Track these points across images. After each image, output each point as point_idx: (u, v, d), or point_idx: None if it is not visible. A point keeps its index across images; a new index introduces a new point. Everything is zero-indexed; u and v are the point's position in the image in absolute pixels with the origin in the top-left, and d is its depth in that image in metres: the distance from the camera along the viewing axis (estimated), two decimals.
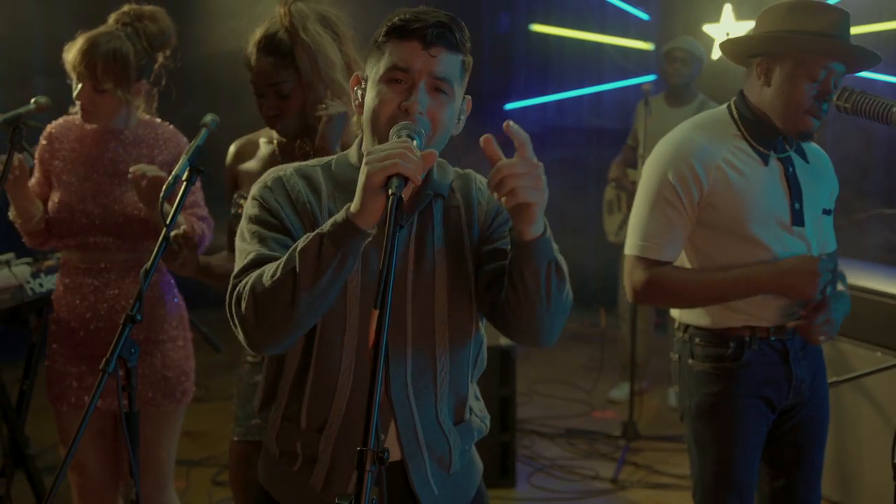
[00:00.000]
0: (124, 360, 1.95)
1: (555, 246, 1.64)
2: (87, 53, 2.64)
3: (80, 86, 2.69)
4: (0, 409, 3.08)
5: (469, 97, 1.75)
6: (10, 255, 3.17)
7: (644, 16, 7.07)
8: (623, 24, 7.11)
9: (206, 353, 3.06)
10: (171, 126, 2.89)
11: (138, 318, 1.94)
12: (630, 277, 2.48)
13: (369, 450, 1.32)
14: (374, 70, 1.67)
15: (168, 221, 2.07)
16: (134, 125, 2.82)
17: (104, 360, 1.91)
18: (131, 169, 2.48)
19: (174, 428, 2.89)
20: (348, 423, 1.69)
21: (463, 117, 1.74)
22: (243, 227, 1.68)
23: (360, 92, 1.72)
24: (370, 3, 2.51)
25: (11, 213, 2.82)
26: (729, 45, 2.51)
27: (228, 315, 1.62)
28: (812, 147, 2.58)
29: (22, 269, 3.13)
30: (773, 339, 2.45)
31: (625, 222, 5.41)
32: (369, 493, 1.32)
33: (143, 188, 2.44)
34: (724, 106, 2.53)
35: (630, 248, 2.48)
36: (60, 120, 2.89)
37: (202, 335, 3.35)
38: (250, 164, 2.49)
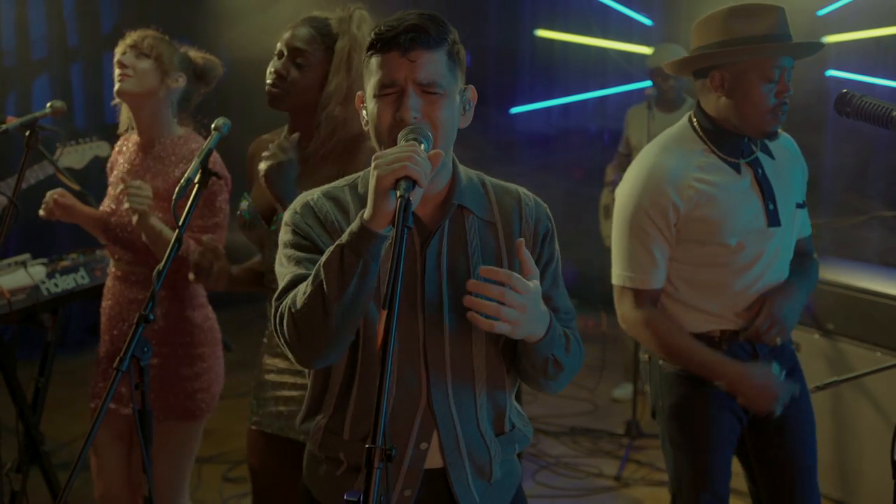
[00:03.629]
0: (137, 359, 1.98)
1: (559, 338, 1.72)
2: (141, 33, 2.82)
3: (124, 53, 2.81)
4: (16, 406, 3.13)
5: (472, 87, 1.77)
6: (25, 256, 3.22)
7: (647, 21, 7.10)
8: (626, 30, 7.13)
9: None
10: (203, 142, 2.91)
11: (151, 317, 1.97)
12: (619, 308, 2.52)
13: (377, 447, 1.35)
14: (368, 87, 1.71)
15: (181, 223, 2.09)
16: (168, 138, 2.87)
17: (117, 358, 1.94)
18: (119, 186, 2.61)
19: (183, 444, 2.87)
20: (393, 434, 1.70)
21: (469, 108, 1.76)
22: (280, 252, 1.74)
23: (364, 111, 1.75)
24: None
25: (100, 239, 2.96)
26: (675, 67, 2.52)
27: (276, 337, 1.67)
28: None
29: (37, 270, 3.19)
30: (741, 341, 2.49)
31: None
32: (377, 490, 1.34)
33: (129, 202, 2.58)
34: (685, 120, 2.53)
35: (616, 278, 2.52)
36: (123, 138, 2.99)
37: None
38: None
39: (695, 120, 2.50)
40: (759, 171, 2.47)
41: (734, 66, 2.39)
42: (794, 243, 2.58)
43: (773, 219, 2.45)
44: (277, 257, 1.75)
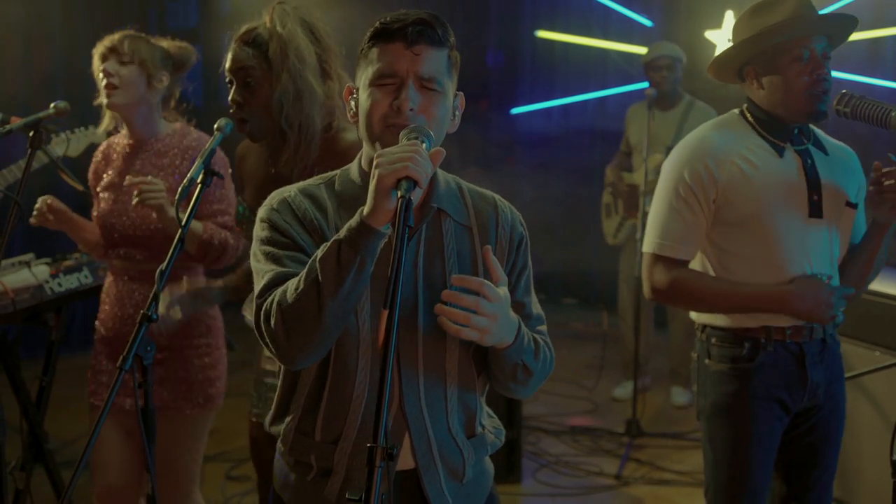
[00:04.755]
0: (140, 357, 2.00)
1: (528, 344, 1.70)
2: (119, 35, 2.79)
3: (106, 62, 2.78)
4: (20, 405, 3.13)
5: (461, 94, 1.76)
6: (29, 256, 3.23)
7: (647, 22, 7.12)
8: (626, 31, 7.16)
9: None
10: (198, 134, 2.93)
11: (154, 317, 1.97)
12: (649, 275, 2.52)
13: (378, 446, 1.35)
14: (363, 77, 1.69)
15: (183, 224, 2.09)
16: (163, 135, 2.88)
17: (121, 357, 1.95)
18: (126, 183, 2.57)
19: (195, 433, 2.90)
20: (364, 436, 1.68)
21: (458, 114, 1.75)
22: (256, 249, 1.71)
23: (353, 102, 1.74)
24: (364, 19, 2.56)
25: (81, 247, 3.00)
26: (714, 68, 2.56)
27: (258, 335, 1.64)
28: (836, 143, 2.60)
29: (41, 270, 3.20)
30: (788, 341, 2.47)
31: (622, 225, 5.47)
32: (379, 489, 1.34)
33: (143, 198, 2.56)
34: (735, 111, 2.57)
35: (648, 245, 2.53)
36: (104, 143, 2.99)
37: None
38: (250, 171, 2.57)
39: (746, 111, 2.54)
40: (809, 161, 2.48)
41: (764, 55, 2.43)
42: (846, 245, 2.55)
43: (815, 209, 2.45)
44: (252, 252, 1.72)
